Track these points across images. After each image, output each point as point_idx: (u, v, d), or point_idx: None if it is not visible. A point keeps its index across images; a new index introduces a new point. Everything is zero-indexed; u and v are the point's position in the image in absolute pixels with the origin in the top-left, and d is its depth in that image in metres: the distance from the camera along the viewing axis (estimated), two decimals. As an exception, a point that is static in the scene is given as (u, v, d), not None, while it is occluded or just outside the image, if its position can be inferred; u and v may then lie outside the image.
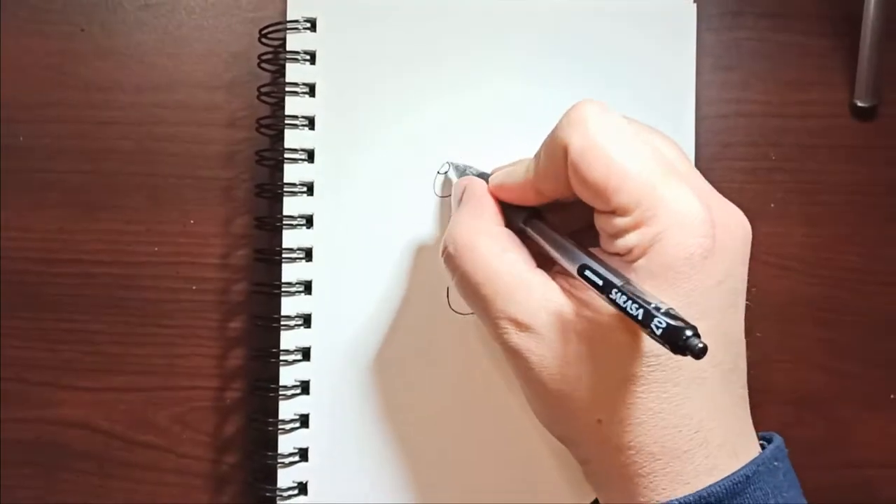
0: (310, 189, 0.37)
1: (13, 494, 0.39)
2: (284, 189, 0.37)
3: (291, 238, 0.37)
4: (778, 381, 0.41)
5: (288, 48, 0.37)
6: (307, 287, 0.37)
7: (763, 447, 0.30)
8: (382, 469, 0.37)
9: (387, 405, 0.37)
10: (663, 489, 0.28)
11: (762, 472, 0.28)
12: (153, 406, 0.40)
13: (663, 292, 0.27)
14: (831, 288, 0.41)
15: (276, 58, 0.38)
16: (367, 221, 0.37)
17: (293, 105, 0.37)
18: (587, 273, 0.28)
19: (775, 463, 0.29)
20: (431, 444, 0.37)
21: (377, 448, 0.37)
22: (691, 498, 0.27)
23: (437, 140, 0.38)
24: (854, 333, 0.41)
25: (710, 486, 0.27)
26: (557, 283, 0.30)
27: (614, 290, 0.26)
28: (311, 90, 0.37)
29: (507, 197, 0.33)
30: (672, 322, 0.24)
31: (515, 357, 0.30)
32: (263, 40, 0.38)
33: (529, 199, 0.32)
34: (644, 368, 0.28)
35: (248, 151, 0.40)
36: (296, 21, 0.37)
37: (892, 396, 0.42)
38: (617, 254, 0.28)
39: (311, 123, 0.37)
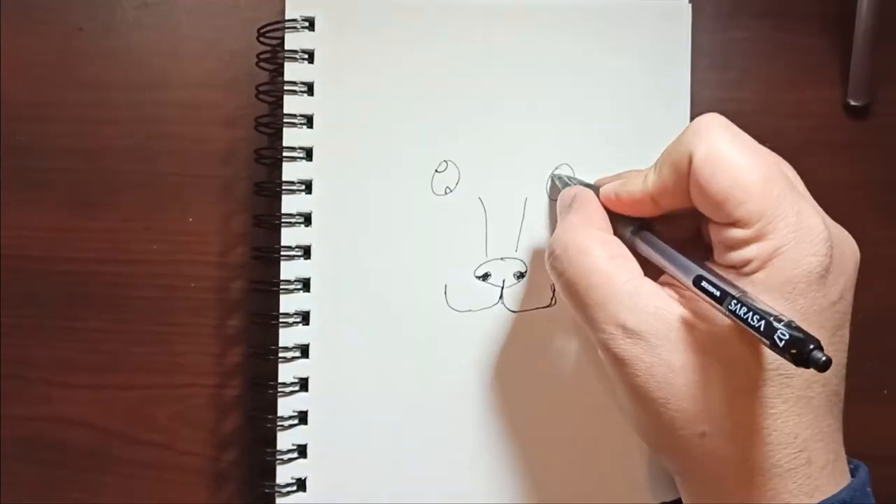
0: (308, 187, 0.37)
1: (12, 492, 0.40)
2: (283, 187, 0.37)
3: (290, 236, 0.37)
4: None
5: (286, 47, 0.37)
6: (305, 284, 0.37)
7: (851, 472, 0.30)
8: (381, 465, 0.37)
9: (385, 402, 0.37)
10: None
11: (859, 498, 0.28)
12: (152, 404, 0.40)
13: (779, 308, 0.27)
14: (825, 285, 0.42)
15: (274, 57, 0.38)
16: (366, 219, 0.38)
17: (291, 104, 0.37)
18: (704, 284, 0.28)
19: (868, 489, 0.29)
20: (429, 440, 0.38)
21: (375, 444, 0.37)
22: None
23: (436, 138, 0.38)
24: (850, 327, 0.42)
25: None
26: (667, 291, 0.30)
27: (733, 301, 0.26)
28: (310, 89, 0.37)
29: (622, 208, 0.32)
30: (796, 334, 0.24)
31: (620, 364, 0.29)
32: (262, 39, 0.38)
33: (645, 211, 0.32)
34: (753, 382, 0.28)
35: (246, 150, 0.40)
36: (294, 20, 0.37)
37: (884, 392, 0.42)
38: (732, 266, 0.28)
39: (309, 122, 0.37)
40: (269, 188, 0.38)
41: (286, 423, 0.37)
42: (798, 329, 0.25)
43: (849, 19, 0.41)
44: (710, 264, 0.29)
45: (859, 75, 0.41)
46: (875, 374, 0.42)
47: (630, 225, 0.33)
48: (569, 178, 0.37)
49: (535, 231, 0.38)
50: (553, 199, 0.38)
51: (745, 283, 0.28)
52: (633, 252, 0.31)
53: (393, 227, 0.38)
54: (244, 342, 0.40)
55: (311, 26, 0.37)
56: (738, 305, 0.26)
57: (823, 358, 0.24)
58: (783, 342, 0.24)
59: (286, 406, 0.37)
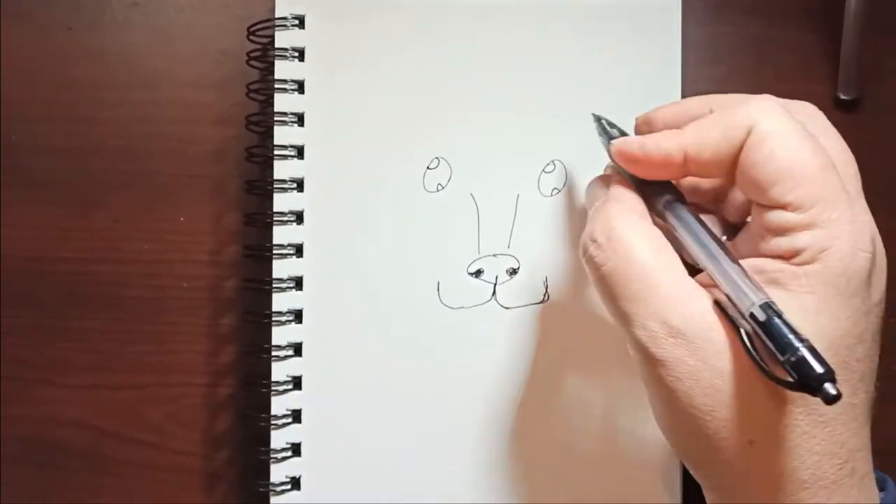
0: (300, 185, 0.37)
1: (7, 492, 0.39)
2: (275, 185, 0.37)
3: (282, 234, 0.37)
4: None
5: (277, 45, 0.37)
6: (298, 283, 0.37)
7: (878, 483, 0.29)
8: (375, 463, 0.37)
9: (379, 399, 0.37)
10: None
11: None
12: (146, 403, 0.40)
13: (835, 305, 0.26)
14: (816, 279, 0.42)
15: (264, 55, 0.38)
16: (358, 217, 0.38)
17: (282, 102, 0.37)
18: (721, 306, 0.27)
19: None
20: (423, 437, 0.38)
21: (369, 442, 0.37)
22: None
23: (427, 135, 0.38)
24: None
25: None
26: (709, 293, 0.28)
27: (744, 335, 0.25)
28: (301, 87, 0.37)
29: (643, 162, 0.30)
30: (801, 372, 0.24)
31: (662, 367, 0.27)
32: (252, 38, 0.38)
33: (670, 171, 0.29)
34: None
35: (237, 148, 0.40)
36: (284, 18, 0.37)
37: (876, 384, 0.42)
38: (779, 255, 0.27)
39: (300, 120, 0.37)
40: (261, 186, 0.38)
41: (280, 422, 0.37)
42: (806, 363, 0.24)
43: (838, 13, 0.42)
44: (738, 256, 0.28)
45: (849, 70, 0.41)
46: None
47: (662, 198, 0.30)
48: (609, 124, 0.34)
49: (527, 227, 0.38)
50: (551, 194, 0.38)
51: (797, 274, 0.26)
52: (663, 228, 0.30)
53: (385, 225, 0.38)
54: (237, 341, 0.40)
55: (302, 24, 0.37)
56: (748, 337, 0.25)
57: (833, 392, 0.23)
58: (791, 386, 0.24)
59: (280, 405, 0.37)
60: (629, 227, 0.29)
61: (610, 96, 0.39)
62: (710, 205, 0.33)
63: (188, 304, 0.40)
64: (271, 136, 0.37)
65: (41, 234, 0.40)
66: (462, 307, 0.38)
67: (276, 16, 0.37)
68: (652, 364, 0.27)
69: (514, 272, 0.38)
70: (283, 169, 0.37)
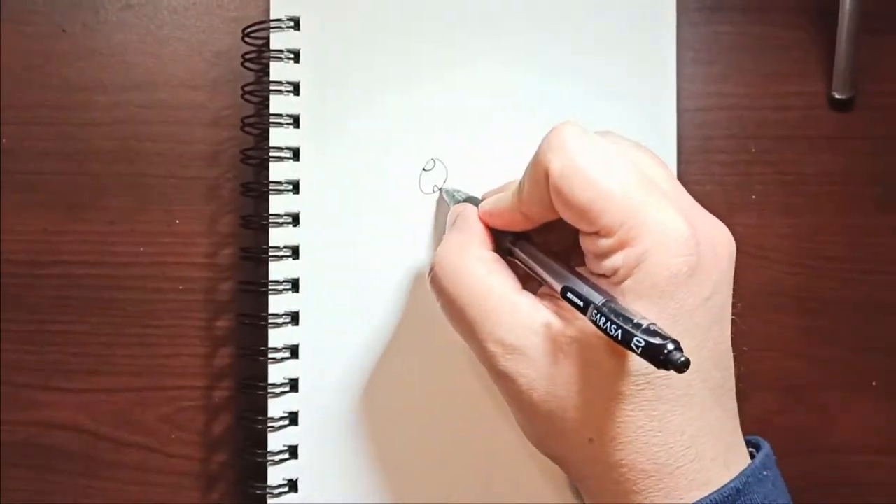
0: (295, 187, 0.37)
1: (2, 496, 0.39)
2: (270, 187, 0.37)
3: (278, 236, 0.37)
4: (761, 370, 0.42)
5: (272, 47, 0.37)
6: (294, 285, 0.37)
7: (752, 454, 0.30)
8: (372, 466, 0.37)
9: (376, 401, 0.37)
10: None
11: (752, 483, 0.28)
12: (141, 406, 0.40)
13: (651, 312, 0.27)
14: (812, 277, 0.42)
15: (259, 57, 0.38)
16: (354, 218, 0.37)
17: (278, 103, 0.37)
18: (569, 295, 0.28)
19: (764, 472, 0.29)
20: (421, 441, 0.38)
21: (367, 444, 0.37)
22: None
23: (423, 136, 0.38)
24: (836, 322, 0.42)
25: (700, 499, 0.28)
26: (544, 304, 0.30)
27: (593, 311, 0.27)
28: (296, 88, 0.37)
29: (497, 223, 0.32)
30: (651, 340, 0.25)
31: (504, 380, 0.30)
32: (247, 39, 0.38)
33: (518, 224, 0.32)
34: (632, 387, 0.28)
35: (232, 150, 0.40)
36: (279, 20, 0.37)
37: (873, 383, 0.42)
38: (603, 275, 0.28)
39: (295, 121, 0.37)
40: (256, 189, 0.38)
41: (277, 424, 0.37)
42: (654, 333, 0.25)
43: (833, 13, 0.42)
44: (584, 272, 0.29)
45: (843, 68, 0.42)
46: (864, 366, 0.42)
47: (509, 236, 0.32)
48: (456, 191, 0.37)
49: (524, 228, 0.38)
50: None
51: (616, 292, 0.28)
52: (512, 265, 0.32)
53: (381, 226, 0.38)
54: (233, 343, 0.40)
55: (297, 26, 0.37)
56: (598, 315, 0.26)
57: (681, 359, 0.24)
58: (640, 348, 0.25)
59: (276, 407, 0.37)
60: (461, 255, 0.31)
61: (606, 97, 0.39)
62: (570, 240, 0.33)
63: (184, 306, 0.40)
64: (266, 138, 0.37)
65: (35, 237, 0.40)
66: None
67: (272, 17, 0.37)
68: (496, 379, 0.30)
69: (510, 273, 0.38)
70: (278, 171, 0.37)
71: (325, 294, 0.37)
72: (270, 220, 0.37)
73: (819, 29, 0.42)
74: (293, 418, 0.37)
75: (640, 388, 0.28)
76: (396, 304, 0.38)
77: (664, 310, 0.27)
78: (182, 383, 0.40)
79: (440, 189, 0.38)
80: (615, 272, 0.28)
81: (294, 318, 0.37)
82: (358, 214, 0.37)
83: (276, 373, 0.37)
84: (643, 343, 0.25)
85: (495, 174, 0.38)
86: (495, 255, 0.32)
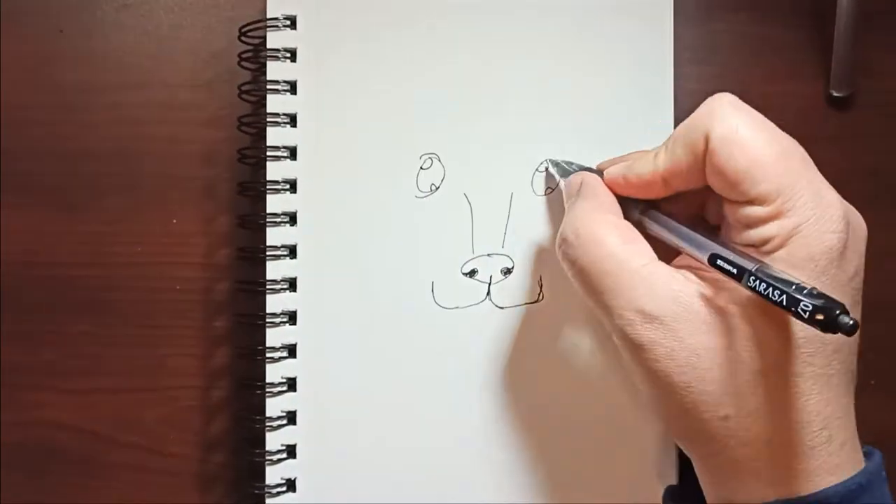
0: (293, 186, 0.37)
1: (1, 498, 0.39)
2: (267, 187, 0.37)
3: (275, 235, 0.37)
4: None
5: (268, 46, 0.37)
6: (292, 284, 0.37)
7: (865, 455, 0.30)
8: (371, 464, 0.37)
9: (374, 400, 0.37)
10: (787, 485, 0.28)
11: (876, 477, 0.29)
12: (139, 407, 0.40)
13: None
14: (810, 276, 0.42)
15: (256, 56, 0.38)
16: (352, 217, 0.37)
17: (275, 103, 0.37)
18: (719, 262, 0.28)
19: (882, 473, 0.29)
20: (419, 438, 0.38)
21: (365, 443, 0.37)
22: (819, 496, 0.27)
23: (420, 135, 0.38)
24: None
25: (835, 485, 0.28)
26: (683, 274, 0.29)
27: (751, 277, 0.26)
28: (293, 87, 0.37)
29: (630, 190, 0.32)
30: (818, 302, 0.24)
31: (640, 350, 0.29)
32: (243, 39, 0.38)
33: (655, 192, 0.32)
34: (778, 360, 0.28)
35: (229, 150, 0.40)
36: (276, 19, 0.37)
37: (872, 382, 0.42)
38: (752, 245, 0.28)
39: (293, 121, 0.37)
40: (254, 188, 0.38)
41: (275, 424, 0.37)
42: (822, 296, 0.25)
43: (830, 10, 0.42)
44: (724, 240, 0.29)
45: (841, 66, 0.42)
46: (862, 365, 0.42)
47: (637, 206, 0.32)
48: (567, 163, 0.37)
49: (522, 226, 0.38)
50: (544, 193, 0.38)
51: (766, 261, 0.27)
52: (643, 234, 0.31)
53: (379, 225, 0.38)
54: (231, 343, 0.40)
55: (293, 24, 0.37)
56: (757, 281, 0.26)
57: (850, 321, 0.24)
58: (808, 312, 0.25)
59: (274, 406, 0.37)
60: (596, 222, 0.31)
61: (602, 95, 0.39)
62: (694, 209, 0.34)
63: (181, 306, 0.40)
64: (263, 138, 0.37)
65: (32, 237, 0.40)
66: (456, 307, 0.38)
67: (268, 16, 0.37)
68: (631, 349, 0.29)
69: (508, 272, 0.38)
70: (275, 170, 0.37)
71: (322, 293, 0.37)
72: (268, 220, 0.37)
73: (816, 27, 0.42)
74: (291, 418, 0.37)
75: (783, 362, 0.28)
76: (394, 302, 0.37)
77: (817, 283, 0.27)
78: (180, 383, 0.40)
79: (546, 161, 0.38)
80: (766, 242, 0.28)
81: (291, 317, 0.37)
82: (355, 213, 0.37)
83: (274, 372, 0.37)
84: (811, 307, 0.24)
85: (493, 172, 0.38)
86: (629, 224, 0.31)
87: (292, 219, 0.37)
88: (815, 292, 0.25)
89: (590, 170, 0.35)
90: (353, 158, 0.37)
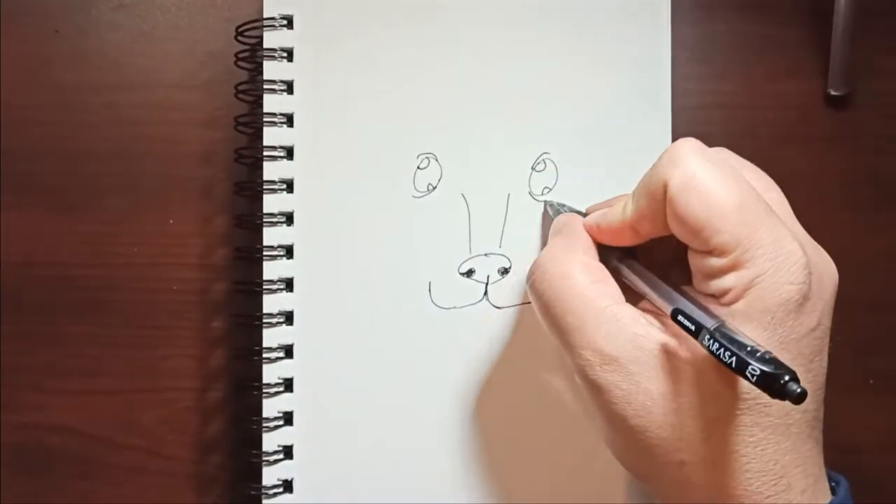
0: (290, 186, 0.37)
1: (-3, 499, 0.39)
2: (264, 187, 0.37)
3: (272, 236, 0.37)
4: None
5: (265, 46, 0.37)
6: (288, 284, 0.37)
7: (832, 488, 0.30)
8: (368, 465, 0.37)
9: (371, 401, 0.37)
10: None
11: None
12: (136, 408, 0.40)
13: (760, 338, 0.27)
14: (809, 275, 0.42)
15: (253, 56, 0.38)
16: (348, 217, 0.37)
17: (271, 102, 0.37)
18: (680, 318, 0.27)
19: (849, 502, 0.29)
20: (416, 439, 0.37)
21: (361, 444, 0.37)
22: None
23: (417, 135, 0.38)
24: (833, 320, 0.41)
25: None
26: (647, 318, 0.29)
27: (706, 336, 0.26)
28: (290, 87, 0.37)
29: (604, 237, 0.32)
30: (767, 369, 0.24)
31: (598, 391, 0.29)
32: (240, 38, 0.38)
33: (626, 240, 0.32)
34: (732, 411, 0.27)
35: (226, 150, 0.40)
36: (272, 18, 0.37)
37: (870, 381, 0.42)
38: (712, 295, 0.28)
39: (289, 120, 0.37)
40: (250, 188, 0.38)
41: (271, 425, 0.37)
42: (771, 361, 0.24)
43: (828, 9, 0.42)
44: (691, 291, 0.29)
45: (839, 65, 0.41)
46: (861, 365, 0.42)
47: (616, 253, 0.32)
48: (560, 205, 0.37)
49: (519, 226, 0.38)
50: (542, 193, 0.38)
51: (724, 313, 0.27)
52: (618, 280, 0.31)
53: (376, 225, 0.37)
54: (227, 344, 0.40)
55: (290, 24, 0.37)
56: (712, 341, 0.26)
57: (798, 390, 0.24)
58: (755, 377, 0.24)
59: (271, 407, 0.37)
60: (567, 260, 0.31)
61: (600, 95, 0.39)
62: (680, 253, 0.33)
63: (178, 307, 0.40)
64: (260, 138, 0.37)
65: (29, 238, 0.40)
66: (454, 307, 0.38)
67: (265, 16, 0.37)
68: (590, 390, 0.29)
69: (505, 271, 0.38)
70: (272, 170, 0.37)
71: (319, 293, 0.37)
72: (264, 220, 0.37)
73: (814, 26, 0.42)
74: (288, 418, 0.37)
75: (739, 413, 0.27)
76: (391, 302, 0.37)
77: (773, 336, 0.27)
78: (177, 384, 0.40)
79: (544, 203, 0.38)
80: (725, 293, 0.27)
81: (288, 317, 0.37)
82: (352, 213, 0.37)
83: (271, 373, 0.37)
84: (759, 371, 0.24)
85: (491, 172, 0.38)
86: (600, 265, 0.31)
87: (289, 219, 0.37)
88: (767, 356, 0.25)
89: (579, 213, 0.35)
90: (349, 158, 0.37)
